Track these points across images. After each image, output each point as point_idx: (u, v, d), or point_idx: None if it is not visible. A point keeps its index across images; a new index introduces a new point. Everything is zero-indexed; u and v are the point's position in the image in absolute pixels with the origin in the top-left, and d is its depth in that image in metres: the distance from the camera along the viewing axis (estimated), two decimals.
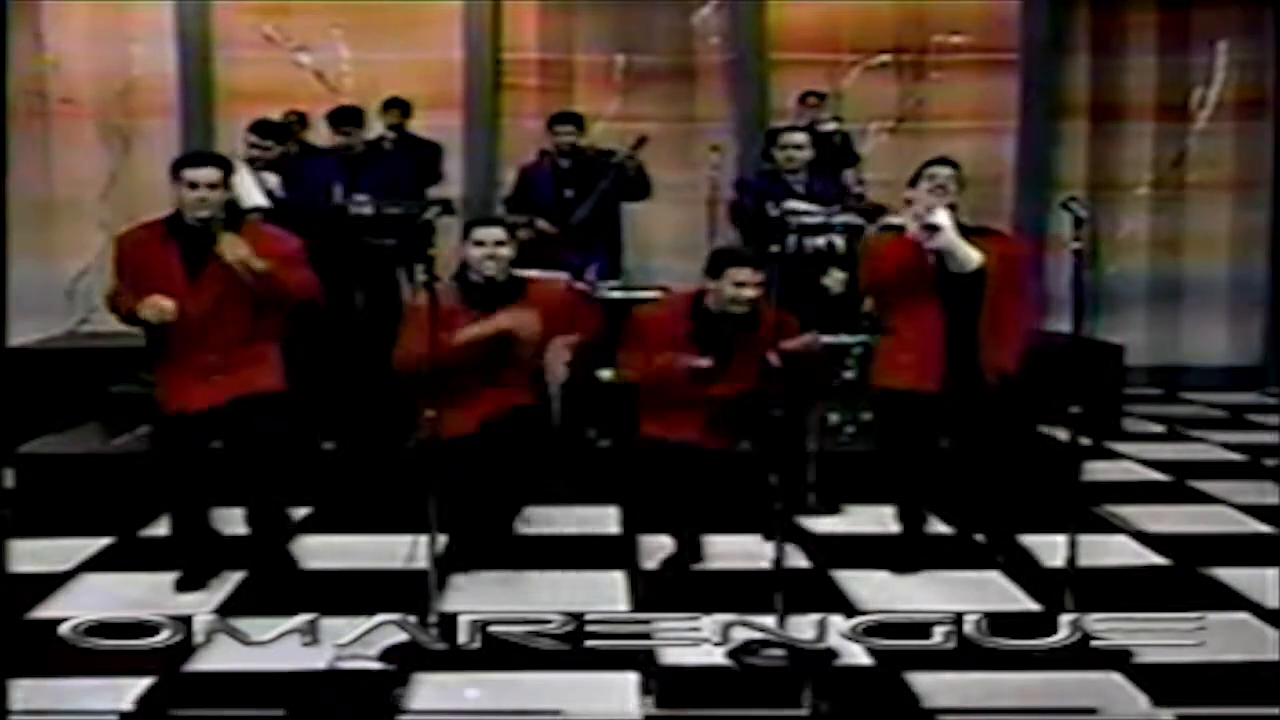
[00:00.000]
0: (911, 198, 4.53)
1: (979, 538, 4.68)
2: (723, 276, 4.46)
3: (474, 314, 4.49)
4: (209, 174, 4.22)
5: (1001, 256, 4.46)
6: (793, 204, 6.24)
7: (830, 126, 7.75)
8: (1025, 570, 4.49)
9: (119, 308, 4.34)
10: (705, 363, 4.41)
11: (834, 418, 5.70)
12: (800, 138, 6.41)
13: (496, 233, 4.59)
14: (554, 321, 4.61)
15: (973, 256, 4.38)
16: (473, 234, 4.59)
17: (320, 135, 7.28)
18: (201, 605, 4.07)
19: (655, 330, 4.60)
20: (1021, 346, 4.53)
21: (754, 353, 4.40)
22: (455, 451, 4.34)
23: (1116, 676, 3.54)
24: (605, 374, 5.28)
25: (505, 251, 4.57)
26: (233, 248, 4.14)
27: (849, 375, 5.79)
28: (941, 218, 4.35)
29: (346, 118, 6.74)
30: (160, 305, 4.14)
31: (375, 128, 7.64)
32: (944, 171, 4.54)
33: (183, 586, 4.33)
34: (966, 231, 4.46)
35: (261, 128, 6.46)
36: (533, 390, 4.62)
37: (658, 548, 4.75)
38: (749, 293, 4.43)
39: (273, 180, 6.23)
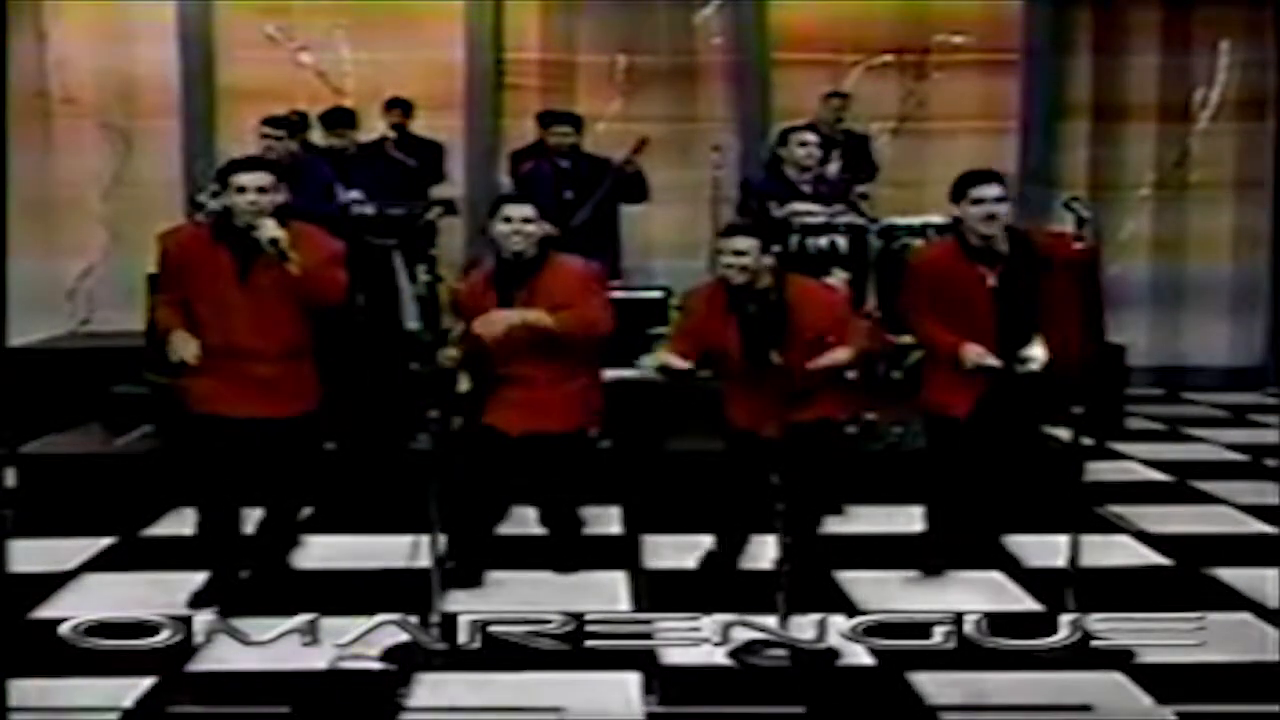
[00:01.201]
0: (963, 217, 4.25)
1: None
2: (722, 251, 4.39)
3: (505, 290, 4.50)
4: (260, 178, 4.20)
5: (1068, 262, 4.08)
6: (797, 205, 6.24)
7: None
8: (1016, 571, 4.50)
9: (160, 324, 4.32)
10: (682, 364, 4.32)
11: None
12: (812, 136, 6.41)
13: (525, 210, 4.54)
14: (576, 300, 4.54)
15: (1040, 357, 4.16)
16: (500, 211, 4.55)
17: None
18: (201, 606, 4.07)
19: (698, 315, 4.50)
20: (1085, 350, 4.28)
21: (788, 328, 4.22)
22: (490, 446, 4.39)
23: (1117, 676, 3.53)
24: (648, 361, 5.14)
25: (532, 228, 4.53)
26: (271, 230, 4.09)
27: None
28: (1037, 352, 4.14)
29: (339, 119, 6.75)
30: (181, 349, 4.12)
31: (377, 127, 7.65)
32: (991, 192, 4.16)
33: (198, 602, 4.13)
34: (1031, 236, 4.31)
35: (273, 120, 6.57)
36: (582, 405, 4.58)
37: (658, 547, 4.75)
38: (742, 261, 4.26)
39: None
